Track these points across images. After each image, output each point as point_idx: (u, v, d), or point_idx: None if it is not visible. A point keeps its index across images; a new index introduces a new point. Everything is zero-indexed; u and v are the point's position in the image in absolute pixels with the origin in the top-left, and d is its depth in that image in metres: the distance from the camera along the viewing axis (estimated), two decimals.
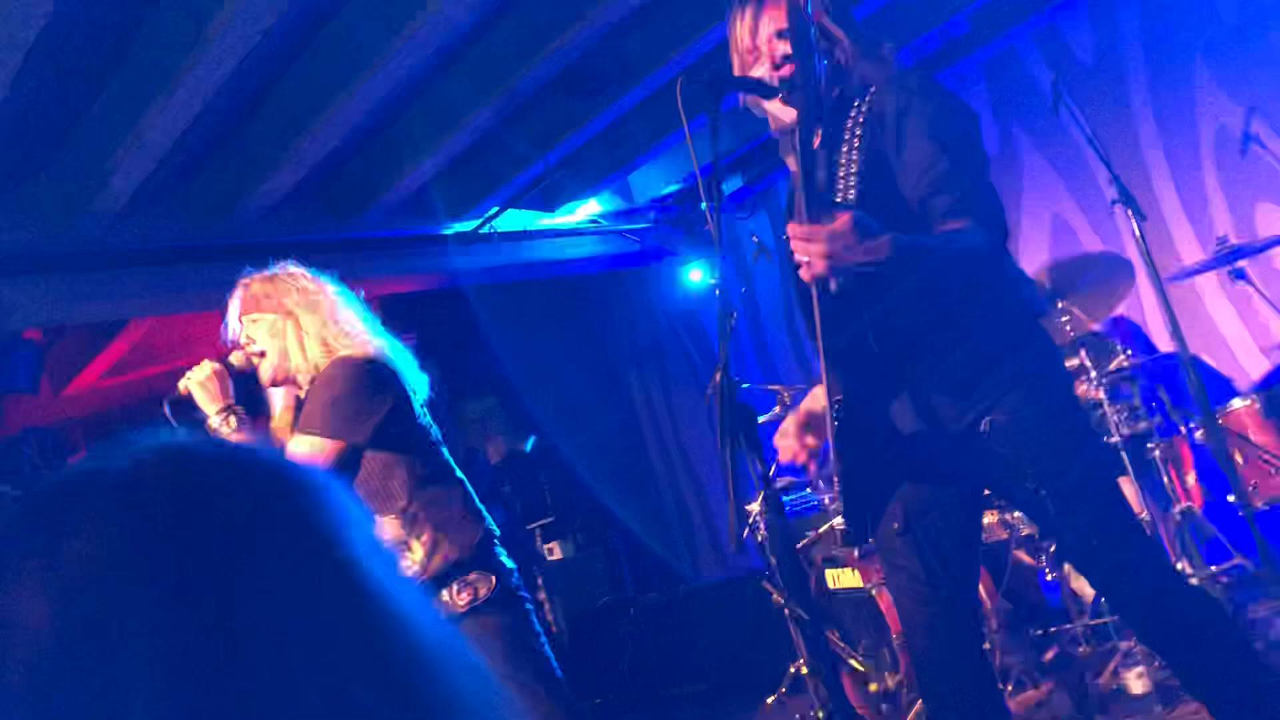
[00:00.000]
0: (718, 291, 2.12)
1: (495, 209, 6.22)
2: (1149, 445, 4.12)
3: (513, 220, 6.53)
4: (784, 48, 2.13)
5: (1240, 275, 4.35)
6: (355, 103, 4.59)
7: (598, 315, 8.47)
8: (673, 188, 7.10)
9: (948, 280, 1.99)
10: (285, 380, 2.70)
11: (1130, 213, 3.89)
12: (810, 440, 2.18)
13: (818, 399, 2.18)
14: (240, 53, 3.98)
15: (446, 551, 2.54)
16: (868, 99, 2.11)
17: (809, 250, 1.83)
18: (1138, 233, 3.92)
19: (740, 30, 2.20)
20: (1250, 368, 5.22)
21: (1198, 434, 4.15)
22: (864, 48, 2.15)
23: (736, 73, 2.22)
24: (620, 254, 7.33)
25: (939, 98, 2.08)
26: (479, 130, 5.26)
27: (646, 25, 4.99)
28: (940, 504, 2.15)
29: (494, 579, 2.54)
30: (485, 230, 6.35)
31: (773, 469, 4.53)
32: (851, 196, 1.97)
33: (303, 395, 2.68)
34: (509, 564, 2.65)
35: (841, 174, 2.01)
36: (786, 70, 2.13)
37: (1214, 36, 5.22)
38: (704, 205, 6.04)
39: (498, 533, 2.69)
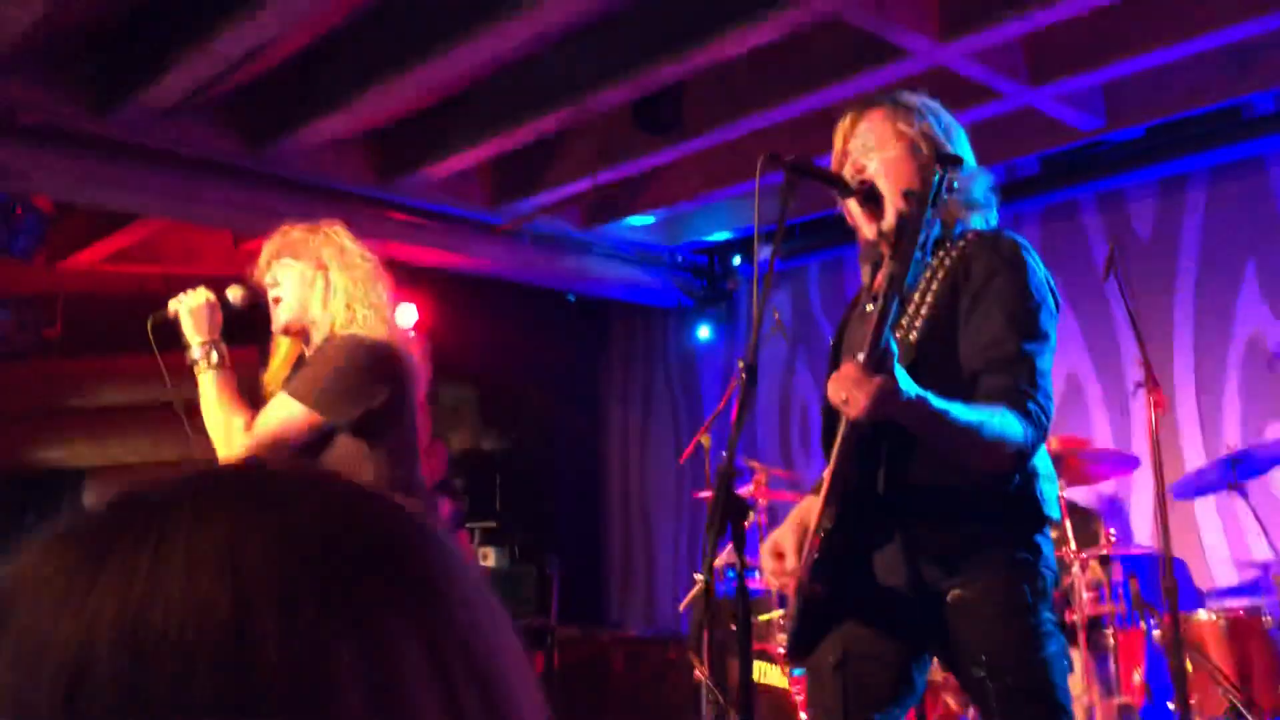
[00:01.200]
0: (741, 368, 2.07)
1: (533, 211, 6.18)
2: (1107, 630, 4.07)
3: (549, 226, 6.50)
4: (870, 163, 2.15)
5: (1238, 490, 4.32)
6: (428, 71, 4.53)
7: (599, 339, 8.42)
8: (721, 236, 7.05)
9: (974, 458, 1.96)
10: (298, 331, 2.65)
11: (1152, 401, 3.84)
12: (793, 562, 2.14)
13: (809, 516, 2.13)
14: None
15: None
16: (959, 245, 2.09)
17: (852, 394, 1.81)
18: (1153, 423, 3.88)
19: (838, 133, 2.24)
20: (1221, 581, 5.19)
21: (1156, 633, 4.10)
22: (966, 189, 2.13)
23: (834, 168, 2.19)
24: (641, 287, 7.29)
25: (1027, 275, 2.04)
26: (539, 131, 5.22)
27: (727, 79, 4.97)
28: (882, 655, 2.11)
29: None
30: (520, 229, 6.31)
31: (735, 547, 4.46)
32: (914, 338, 1.94)
33: (307, 354, 2.62)
34: None
35: (910, 310, 1.98)
36: (867, 176, 2.15)
37: (1269, 246, 5.23)
38: (740, 266, 6.02)
39: None
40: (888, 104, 2.21)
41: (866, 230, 2.18)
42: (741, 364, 2.07)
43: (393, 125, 5.36)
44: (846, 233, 7.08)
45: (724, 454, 1.99)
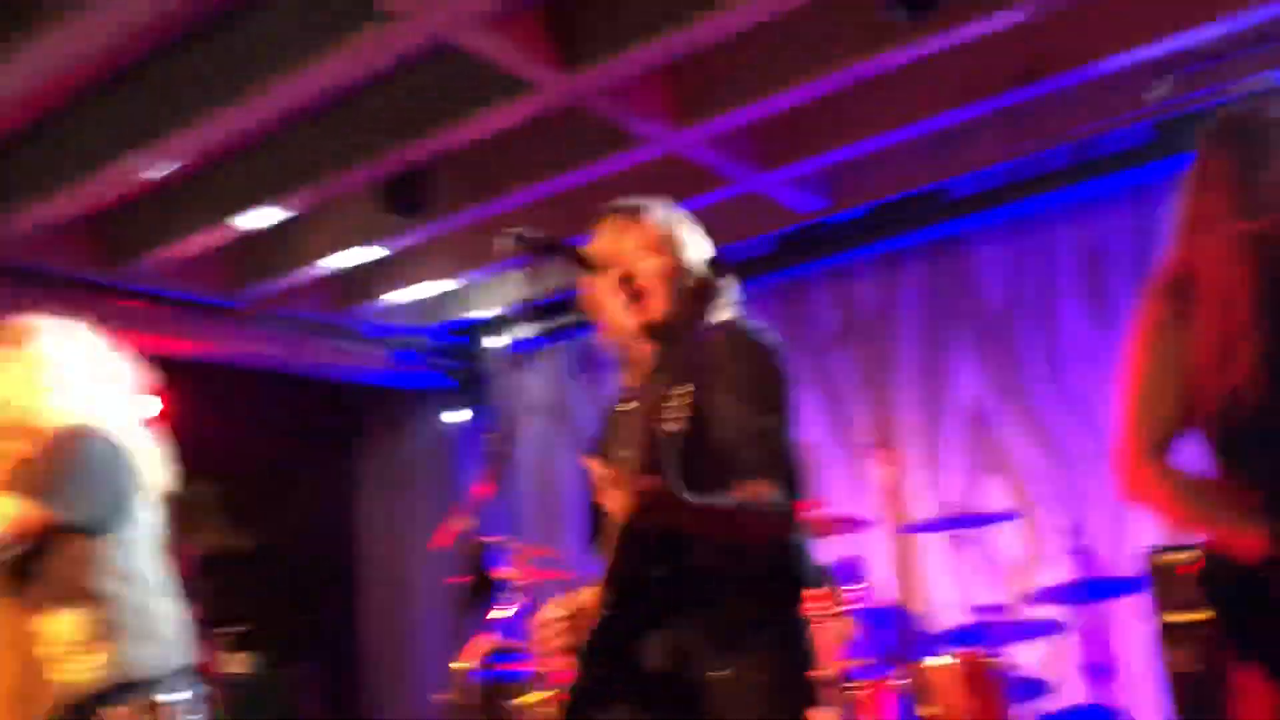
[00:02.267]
0: (491, 442, 2.08)
1: (277, 295, 5.98)
2: (853, 683, 4.25)
3: (297, 310, 6.31)
4: (640, 267, 2.19)
5: (962, 541, 4.65)
6: (156, 151, 4.35)
7: (354, 425, 8.18)
8: (479, 315, 7.00)
9: (742, 536, 2.03)
10: (13, 427, 2.45)
11: (880, 460, 4.11)
12: (567, 640, 2.13)
13: (586, 603, 2.13)
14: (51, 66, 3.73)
15: (123, 667, 2.30)
16: (708, 338, 2.17)
17: (614, 495, 1.86)
18: (884, 480, 4.14)
19: (606, 234, 2.27)
20: (953, 627, 5.53)
21: (898, 681, 4.32)
22: (709, 284, 2.24)
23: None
24: (397, 371, 7.16)
25: (764, 357, 2.16)
26: (272, 214, 5.08)
27: (476, 161, 5.03)
28: None
29: (163, 712, 2.30)
30: (265, 313, 6.09)
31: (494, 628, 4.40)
32: (671, 429, 1.96)
33: (29, 450, 2.42)
34: (186, 695, 2.41)
35: (667, 405, 2.03)
36: (640, 283, 2.20)
37: (979, 317, 5.73)
38: (494, 347, 6.01)
39: (189, 662, 2.46)
40: (656, 213, 2.29)
41: (627, 326, 2.22)
42: (492, 439, 2.07)
43: (118, 208, 5.09)
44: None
45: (474, 535, 1.97)
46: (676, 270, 2.23)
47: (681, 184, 5.30)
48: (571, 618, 2.15)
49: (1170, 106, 4.66)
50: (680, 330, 2.15)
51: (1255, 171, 2.04)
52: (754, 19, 3.87)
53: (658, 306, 2.20)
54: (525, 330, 6.78)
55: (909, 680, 4.22)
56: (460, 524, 5.37)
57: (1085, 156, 5.35)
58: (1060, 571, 5.33)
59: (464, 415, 7.24)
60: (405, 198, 4.90)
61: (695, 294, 2.22)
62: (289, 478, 7.60)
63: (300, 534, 7.59)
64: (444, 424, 7.54)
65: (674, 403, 1.96)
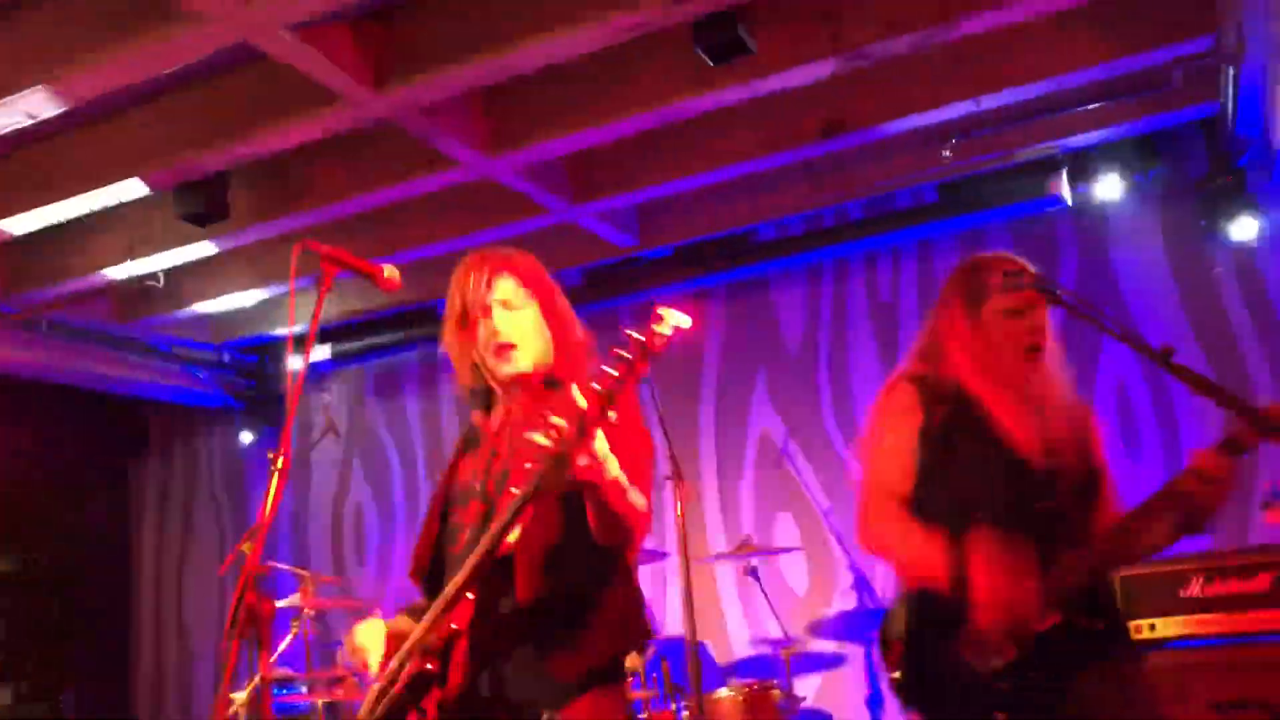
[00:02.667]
0: (276, 464, 2.00)
1: (52, 301, 5.60)
2: (642, 715, 4.29)
3: (75, 319, 5.93)
4: (505, 325, 2.22)
5: (753, 574, 4.77)
6: None
7: (134, 443, 7.72)
8: (272, 333, 6.75)
9: (612, 532, 2.03)
10: None
11: (677, 492, 4.19)
12: (375, 667, 2.10)
13: (403, 631, 2.12)
14: None
15: None
16: (561, 392, 2.17)
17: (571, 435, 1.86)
18: (679, 512, 4.22)
19: (466, 282, 2.28)
20: (742, 658, 5.68)
21: (685, 714, 4.38)
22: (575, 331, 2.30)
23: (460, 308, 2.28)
24: (183, 387, 6.81)
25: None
26: (51, 215, 4.77)
27: (278, 173, 4.88)
28: None
29: None
30: (38, 321, 5.70)
31: (273, 658, 4.20)
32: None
33: None
34: None
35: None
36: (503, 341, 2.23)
37: (776, 358, 5.94)
38: (289, 367, 5.79)
39: None
40: (522, 262, 2.30)
41: (500, 374, 2.25)
42: (273, 457, 1.98)
43: None
44: (405, 333, 7.01)
45: (254, 562, 1.87)
46: (553, 318, 2.26)
47: (494, 210, 5.30)
48: (392, 640, 2.11)
49: (954, 169, 4.98)
50: (554, 379, 2.20)
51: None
52: (570, 52, 3.91)
53: (528, 357, 2.22)
54: (322, 351, 6.61)
55: (695, 712, 4.29)
56: (246, 549, 5.14)
57: (878, 211, 5.65)
58: (846, 604, 5.56)
59: (253, 437, 6.97)
60: (201, 206, 4.69)
61: (563, 343, 2.26)
62: (61, 497, 7.12)
63: (70, 557, 7.10)
64: (235, 446, 7.23)
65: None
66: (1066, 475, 2.38)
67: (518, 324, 2.22)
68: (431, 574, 2.22)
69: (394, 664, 2.06)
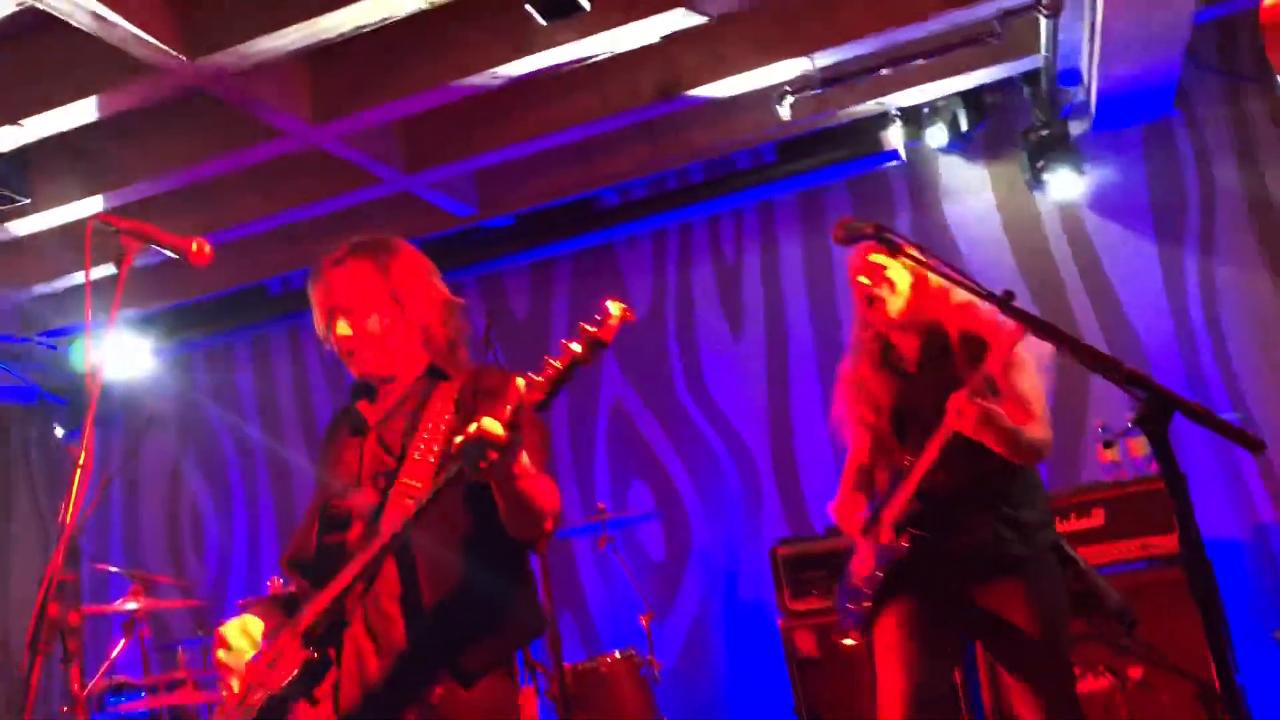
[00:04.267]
0: (79, 459, 1.84)
1: None
2: None
3: None
4: (346, 330, 2.18)
5: (610, 544, 4.73)
6: None
7: None
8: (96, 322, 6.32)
9: (527, 526, 2.01)
10: None
11: None
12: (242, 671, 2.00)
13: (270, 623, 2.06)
14: None
15: None
16: (450, 383, 2.19)
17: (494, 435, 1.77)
18: None
19: (314, 288, 2.23)
20: (603, 629, 5.65)
21: (547, 689, 4.31)
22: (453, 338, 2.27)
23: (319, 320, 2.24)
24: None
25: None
26: None
27: (83, 148, 4.54)
28: None
29: None
30: None
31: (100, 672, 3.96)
32: (433, 460, 2.02)
33: None
34: None
35: (423, 443, 2.06)
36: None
37: (624, 325, 5.88)
38: (98, 358, 5.48)
39: None
40: (365, 264, 2.23)
41: (355, 374, 2.24)
42: (74, 453, 1.84)
43: None
44: (233, 317, 6.68)
45: (64, 565, 1.73)
46: (399, 319, 2.21)
47: (326, 180, 5.07)
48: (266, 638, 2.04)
49: (790, 128, 4.99)
50: (437, 369, 2.22)
51: None
52: (392, 11, 3.73)
53: (373, 359, 2.20)
54: (146, 341, 6.22)
55: (556, 686, 4.23)
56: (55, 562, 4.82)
57: (719, 173, 5.64)
58: (701, 570, 5.59)
59: (63, 432, 6.54)
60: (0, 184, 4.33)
61: (429, 336, 2.24)
62: None
63: None
64: (56, 443, 6.78)
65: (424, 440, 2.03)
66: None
67: (359, 328, 2.18)
68: (313, 562, 2.16)
69: (272, 654, 1.98)
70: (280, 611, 2.12)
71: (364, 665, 2.01)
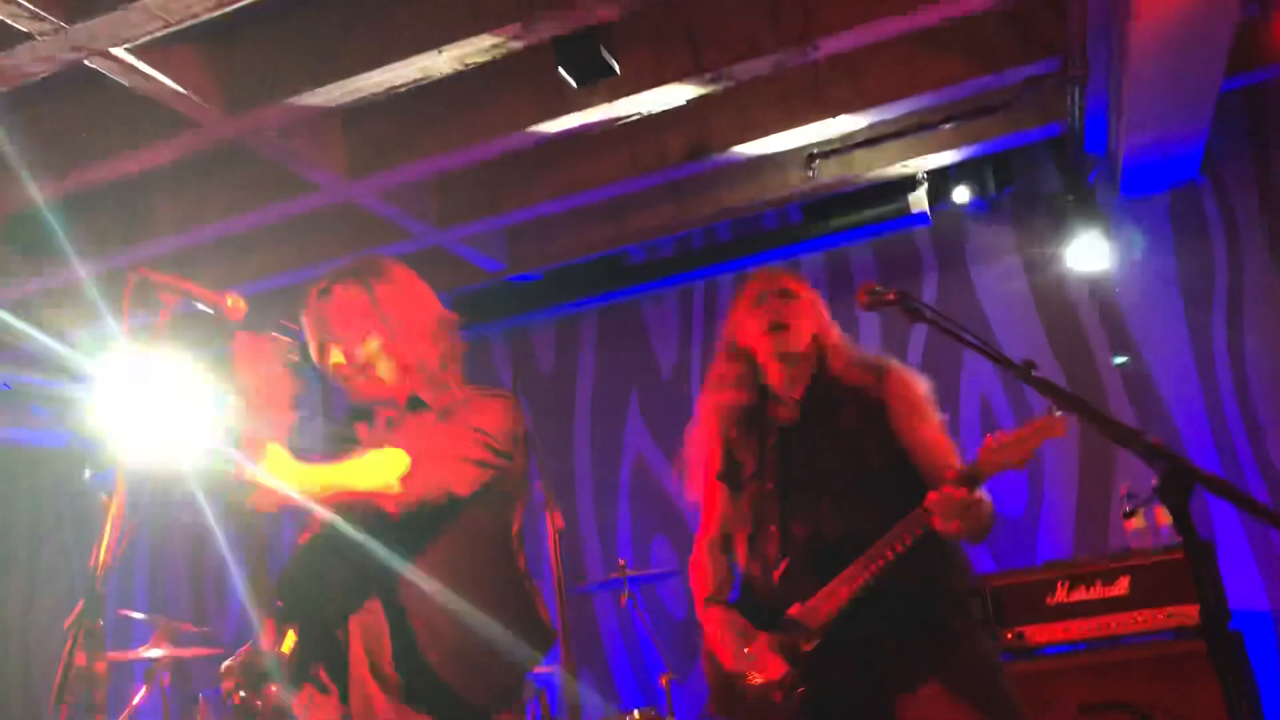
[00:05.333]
0: (109, 505, 1.87)
1: None
2: None
3: None
4: (340, 359, 2.25)
5: (631, 600, 4.71)
6: None
7: None
8: None
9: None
10: None
11: (550, 517, 4.11)
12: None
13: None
14: None
15: None
16: (427, 414, 2.25)
17: None
18: (552, 540, 4.14)
19: (308, 319, 2.28)
20: (622, 686, 5.60)
21: None
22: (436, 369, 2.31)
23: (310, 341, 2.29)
24: (23, 429, 6.42)
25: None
26: None
27: (123, 201, 4.64)
28: None
29: None
30: None
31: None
32: None
33: None
34: None
35: None
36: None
37: (649, 381, 5.91)
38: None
39: None
40: (355, 294, 2.30)
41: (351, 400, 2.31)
42: (105, 501, 1.87)
43: None
44: None
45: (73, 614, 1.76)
46: (393, 347, 2.26)
47: (360, 236, 5.15)
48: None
49: (818, 189, 5.04)
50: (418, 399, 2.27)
51: None
52: (428, 74, 3.81)
53: (372, 386, 2.26)
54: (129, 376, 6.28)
55: None
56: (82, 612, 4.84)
57: (745, 232, 5.69)
58: None
59: (100, 472, 6.59)
60: (38, 236, 4.42)
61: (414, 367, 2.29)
62: None
63: None
64: (84, 483, 6.83)
65: None
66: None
67: (350, 356, 2.24)
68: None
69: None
70: None
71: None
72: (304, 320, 2.28)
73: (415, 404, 2.26)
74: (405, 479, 2.02)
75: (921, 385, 2.54)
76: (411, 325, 2.27)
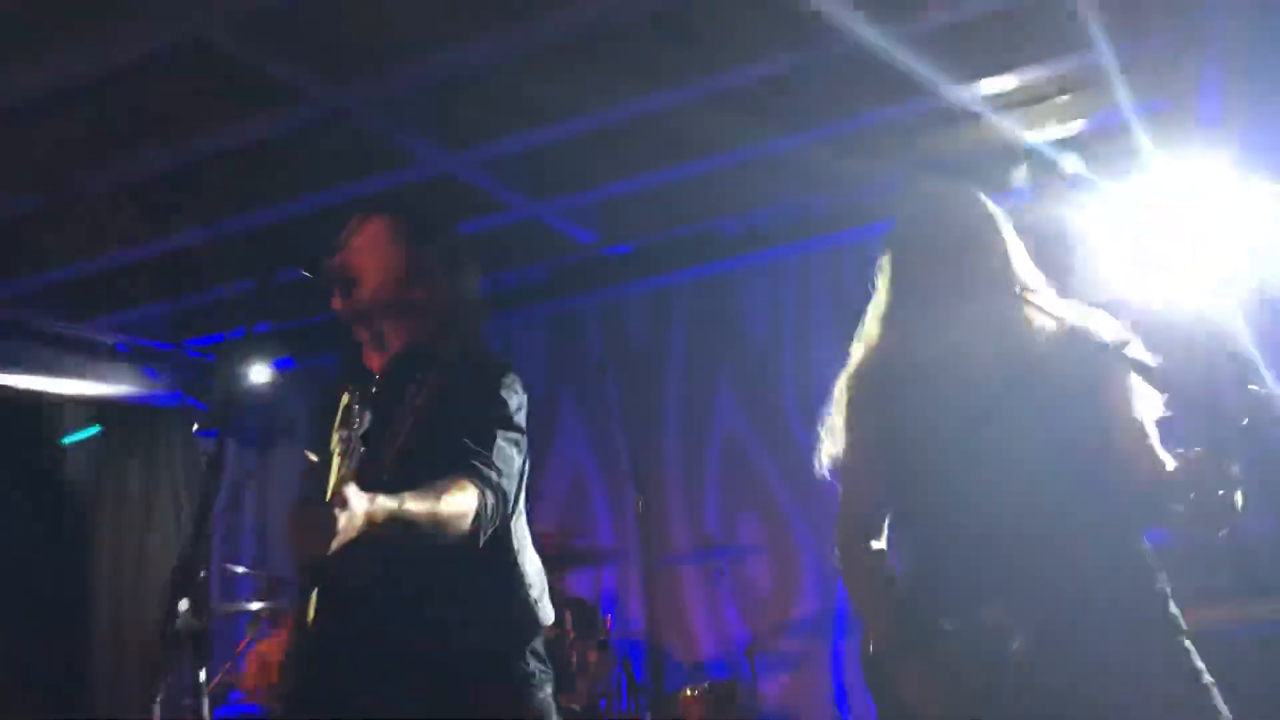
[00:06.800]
0: (209, 458, 1.96)
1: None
2: (604, 713, 4.25)
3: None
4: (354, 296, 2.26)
5: (717, 574, 4.74)
6: None
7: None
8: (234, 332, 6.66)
9: (438, 535, 1.95)
10: None
11: (641, 497, 4.16)
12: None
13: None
14: None
15: None
16: (439, 365, 2.08)
17: (308, 542, 1.78)
18: (639, 510, 4.18)
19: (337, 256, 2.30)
20: (707, 657, 5.64)
21: (648, 714, 4.34)
22: (451, 311, 2.27)
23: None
24: (140, 390, 6.69)
25: (491, 379, 2.17)
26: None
27: (239, 168, 4.79)
28: None
29: None
30: None
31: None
32: (395, 451, 1.93)
33: None
34: None
35: (393, 429, 1.96)
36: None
37: (740, 355, 5.91)
38: (240, 367, 5.71)
39: None
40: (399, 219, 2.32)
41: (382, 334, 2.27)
42: (203, 455, 1.95)
43: None
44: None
45: (188, 565, 1.81)
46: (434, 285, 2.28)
47: (456, 207, 5.23)
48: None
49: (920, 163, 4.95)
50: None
51: None
52: (525, 49, 3.85)
53: (409, 330, 2.25)
54: (276, 351, 6.49)
55: (659, 712, 4.26)
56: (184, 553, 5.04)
57: (838, 206, 5.61)
58: (811, 605, 5.54)
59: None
60: (160, 201, 4.61)
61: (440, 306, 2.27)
62: (13, 502, 6.96)
63: (17, 564, 6.95)
64: (197, 445, 7.11)
65: (394, 426, 1.92)
66: None
67: (366, 294, 2.28)
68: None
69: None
70: None
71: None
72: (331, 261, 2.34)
73: (423, 351, 2.22)
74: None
75: None
76: (433, 269, 2.33)
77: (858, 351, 2.32)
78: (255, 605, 4.86)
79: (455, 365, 2.03)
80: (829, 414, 2.33)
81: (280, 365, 6.76)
